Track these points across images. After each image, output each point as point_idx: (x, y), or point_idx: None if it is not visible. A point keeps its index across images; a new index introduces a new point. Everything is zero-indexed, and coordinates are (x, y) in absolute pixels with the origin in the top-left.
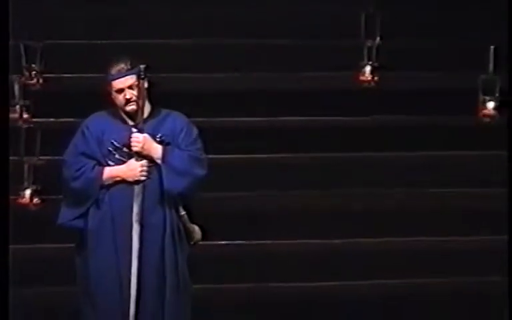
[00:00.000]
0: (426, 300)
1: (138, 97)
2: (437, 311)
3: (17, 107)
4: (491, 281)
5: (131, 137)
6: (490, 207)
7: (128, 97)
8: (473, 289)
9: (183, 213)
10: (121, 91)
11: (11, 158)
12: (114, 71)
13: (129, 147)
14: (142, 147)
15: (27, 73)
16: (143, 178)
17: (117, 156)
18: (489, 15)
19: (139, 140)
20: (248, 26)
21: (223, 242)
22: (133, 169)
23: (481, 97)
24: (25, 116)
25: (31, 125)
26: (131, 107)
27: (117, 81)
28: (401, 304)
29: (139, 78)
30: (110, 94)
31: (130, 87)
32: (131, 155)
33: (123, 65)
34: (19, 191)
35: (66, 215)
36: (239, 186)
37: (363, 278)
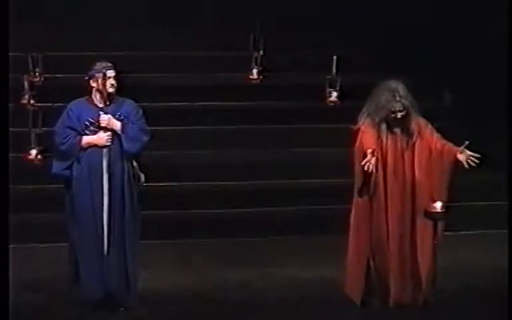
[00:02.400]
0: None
1: (115, 84)
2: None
3: (26, 96)
4: (332, 208)
5: (99, 116)
6: (332, 160)
7: (112, 82)
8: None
9: (135, 164)
10: (109, 78)
11: (22, 129)
12: (106, 65)
13: (98, 122)
14: (107, 123)
15: (32, 74)
16: (108, 143)
17: (91, 128)
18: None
19: (105, 119)
20: (180, 44)
21: (159, 183)
22: (102, 137)
23: (328, 90)
24: (32, 102)
25: (36, 108)
26: (112, 90)
27: (109, 71)
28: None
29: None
30: (95, 82)
31: (114, 77)
32: (100, 128)
33: (110, 64)
34: (28, 151)
35: (57, 167)
36: (170, 147)
37: (246, 207)
